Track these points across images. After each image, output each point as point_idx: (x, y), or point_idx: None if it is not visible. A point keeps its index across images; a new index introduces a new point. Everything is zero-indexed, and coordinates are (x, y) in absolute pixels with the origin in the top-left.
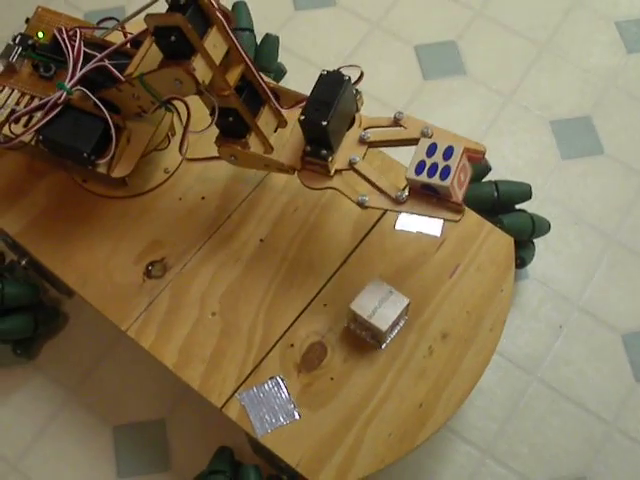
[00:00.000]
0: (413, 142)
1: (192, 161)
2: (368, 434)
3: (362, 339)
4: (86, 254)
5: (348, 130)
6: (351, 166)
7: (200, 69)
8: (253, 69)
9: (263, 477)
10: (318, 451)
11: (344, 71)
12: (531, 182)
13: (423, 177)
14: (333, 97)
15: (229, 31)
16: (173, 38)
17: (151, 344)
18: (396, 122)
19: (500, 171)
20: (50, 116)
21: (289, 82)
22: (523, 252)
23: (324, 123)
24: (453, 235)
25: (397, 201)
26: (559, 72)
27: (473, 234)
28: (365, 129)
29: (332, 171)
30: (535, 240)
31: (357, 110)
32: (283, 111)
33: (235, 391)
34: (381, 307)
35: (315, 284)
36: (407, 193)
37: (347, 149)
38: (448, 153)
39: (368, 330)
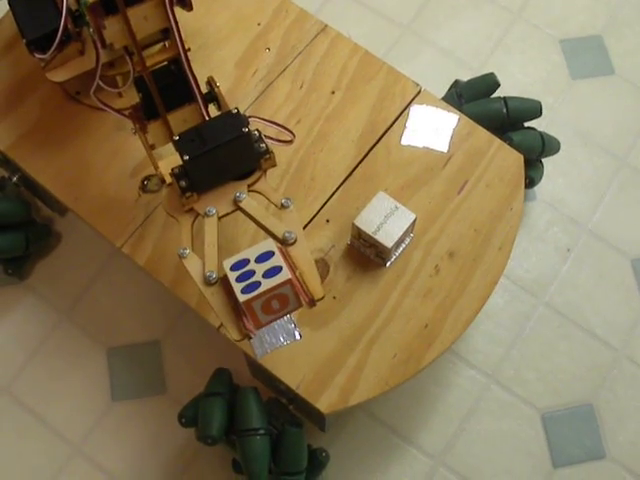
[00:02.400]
0: (271, 236)
1: (101, 104)
2: (372, 355)
3: (366, 256)
4: (79, 168)
5: (238, 180)
6: (204, 216)
7: (112, 31)
8: (185, 63)
9: (262, 400)
10: (320, 373)
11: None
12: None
13: (232, 277)
14: (215, 140)
15: (170, 12)
16: None
17: (146, 261)
18: (281, 206)
19: (508, 90)
20: None
21: None
22: (532, 171)
23: (185, 157)
24: (461, 151)
25: (206, 279)
26: None
27: (482, 150)
28: (251, 190)
29: (186, 207)
30: (543, 161)
31: (260, 168)
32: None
33: None
34: (386, 223)
35: (317, 199)
36: (216, 276)
37: (216, 198)
38: (272, 272)
39: (372, 247)
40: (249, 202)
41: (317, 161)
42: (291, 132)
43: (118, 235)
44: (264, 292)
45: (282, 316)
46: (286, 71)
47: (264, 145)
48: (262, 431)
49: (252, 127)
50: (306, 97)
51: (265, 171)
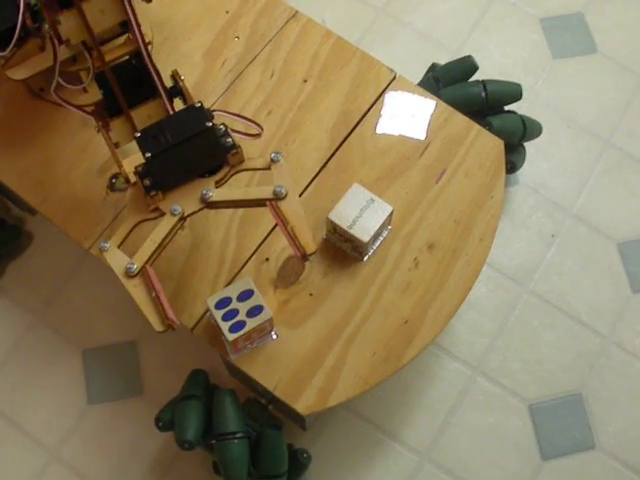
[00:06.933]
0: (261, 203)
1: (62, 101)
2: (350, 354)
3: (342, 251)
4: (45, 168)
5: (205, 177)
6: (171, 214)
7: (67, 26)
8: (146, 57)
9: (239, 401)
10: (297, 373)
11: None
12: (521, 83)
13: (218, 315)
14: (178, 136)
15: (127, 4)
16: None
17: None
18: (271, 161)
19: (488, 72)
20: None
21: None
22: (513, 156)
23: (147, 155)
24: (439, 138)
25: (127, 271)
26: None
27: (460, 137)
28: (236, 172)
29: (152, 207)
30: (525, 144)
31: (227, 164)
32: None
33: (207, 311)
34: (362, 216)
35: None
36: (137, 268)
37: (183, 196)
38: (255, 311)
39: (349, 241)
40: (220, 193)
41: (290, 153)
42: (259, 125)
43: (86, 236)
44: (250, 331)
45: (258, 343)
46: (256, 60)
47: (230, 140)
48: (240, 435)
49: (218, 121)
50: (277, 87)
51: (233, 166)
